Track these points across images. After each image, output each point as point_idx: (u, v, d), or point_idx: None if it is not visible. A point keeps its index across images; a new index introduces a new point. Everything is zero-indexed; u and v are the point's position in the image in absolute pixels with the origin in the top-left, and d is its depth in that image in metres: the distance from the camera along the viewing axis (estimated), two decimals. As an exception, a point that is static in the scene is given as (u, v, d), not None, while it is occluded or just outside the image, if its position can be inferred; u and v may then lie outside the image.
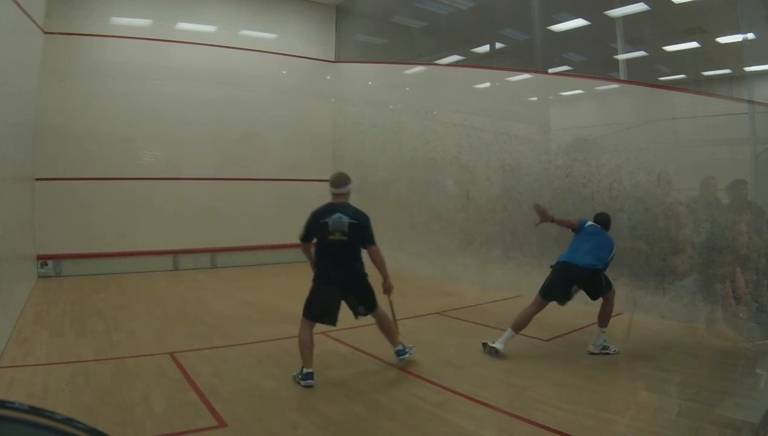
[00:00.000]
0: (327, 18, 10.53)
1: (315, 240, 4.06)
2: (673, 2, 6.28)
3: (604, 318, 4.43)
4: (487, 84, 8.32)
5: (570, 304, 4.56)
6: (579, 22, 7.47)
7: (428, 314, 5.91)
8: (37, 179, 7.82)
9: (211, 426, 3.03)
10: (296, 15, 10.24)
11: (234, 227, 9.41)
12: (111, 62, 8.44)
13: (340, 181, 4.09)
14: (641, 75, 6.55)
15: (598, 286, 4.41)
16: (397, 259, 8.91)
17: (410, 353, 4.27)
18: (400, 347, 4.19)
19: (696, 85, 6.28)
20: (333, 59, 10.56)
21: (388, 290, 4.18)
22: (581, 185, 6.43)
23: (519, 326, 4.43)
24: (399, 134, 9.17)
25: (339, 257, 3.98)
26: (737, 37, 5.74)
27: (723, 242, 5.08)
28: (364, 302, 4.08)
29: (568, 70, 7.70)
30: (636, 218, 5.88)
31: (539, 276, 6.79)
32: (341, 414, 3.26)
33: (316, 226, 3.99)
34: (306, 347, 3.74)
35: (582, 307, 5.98)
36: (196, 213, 9.10)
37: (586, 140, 6.60)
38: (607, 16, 6.79)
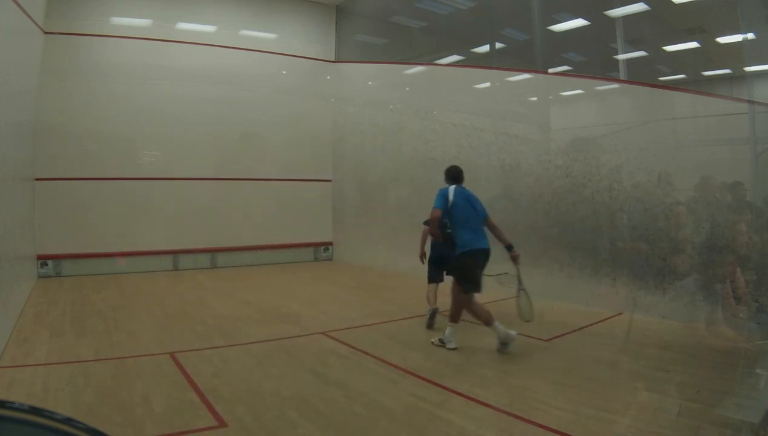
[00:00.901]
0: (327, 18, 10.54)
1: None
2: (673, 2, 6.28)
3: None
4: (487, 84, 8.32)
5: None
6: (579, 22, 7.47)
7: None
8: (37, 179, 7.82)
9: (211, 426, 3.03)
10: (296, 15, 10.24)
11: (234, 227, 9.41)
12: (111, 62, 8.45)
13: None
14: (641, 75, 6.55)
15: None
16: (398, 259, 8.93)
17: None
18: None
19: (696, 85, 6.28)
20: (333, 59, 10.57)
21: None
22: (581, 185, 6.43)
23: (456, 317, 4.69)
24: (399, 134, 9.17)
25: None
26: (737, 37, 5.74)
27: (723, 242, 5.08)
28: None
29: (568, 70, 7.70)
30: (636, 218, 5.88)
31: (539, 276, 6.80)
32: (341, 414, 3.26)
33: None
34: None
35: (582, 307, 5.99)
36: (196, 213, 9.10)
37: (586, 140, 6.60)
38: (607, 16, 6.79)
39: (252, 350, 4.58)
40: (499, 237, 4.76)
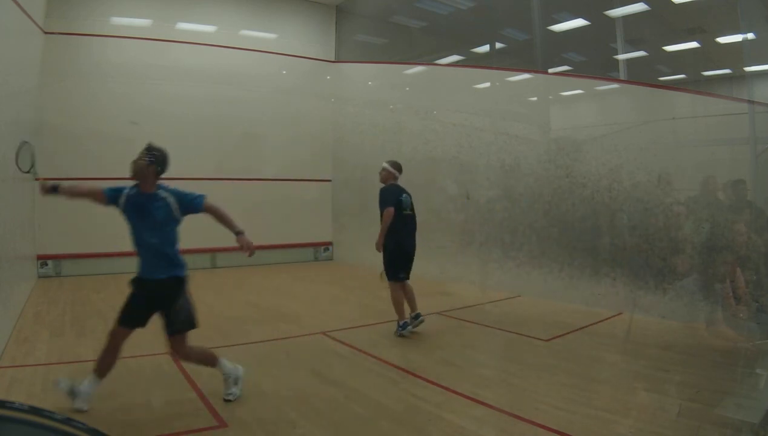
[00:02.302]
0: (327, 18, 10.53)
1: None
2: (673, 2, 6.28)
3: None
4: (487, 84, 8.32)
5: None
6: (579, 22, 7.47)
7: (428, 314, 5.89)
8: (37, 179, 7.80)
9: (211, 426, 3.03)
10: (296, 15, 10.24)
11: (234, 227, 9.40)
12: (111, 62, 8.44)
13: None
14: (641, 75, 6.55)
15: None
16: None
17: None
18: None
19: (696, 85, 6.28)
20: (333, 59, 10.56)
21: None
22: (581, 185, 6.43)
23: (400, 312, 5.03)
24: (399, 134, 9.16)
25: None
26: (737, 37, 5.74)
27: (723, 242, 5.08)
28: None
29: (568, 70, 7.70)
30: (636, 218, 5.88)
31: (539, 276, 6.81)
32: (341, 414, 3.26)
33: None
34: None
35: (582, 307, 5.99)
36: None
37: (586, 140, 6.60)
38: (607, 16, 6.79)
39: (252, 350, 4.58)
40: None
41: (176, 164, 9.98)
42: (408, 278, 5.13)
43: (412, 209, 5.32)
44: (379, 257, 5.01)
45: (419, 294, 5.20)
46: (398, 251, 5.07)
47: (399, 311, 5.00)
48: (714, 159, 5.56)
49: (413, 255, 5.22)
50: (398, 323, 4.98)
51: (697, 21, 6.15)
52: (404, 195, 5.29)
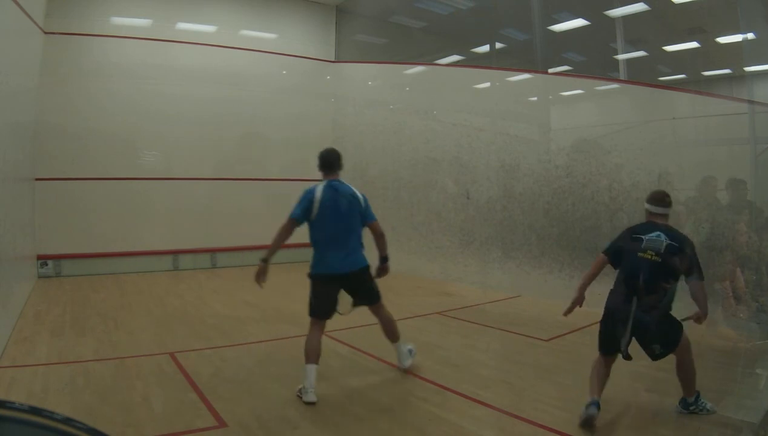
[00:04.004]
0: (327, 18, 10.53)
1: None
2: (673, 2, 6.28)
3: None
4: (487, 84, 8.32)
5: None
6: (579, 22, 7.47)
7: (428, 314, 5.91)
8: (37, 179, 7.82)
9: (211, 426, 3.03)
10: (296, 15, 10.24)
11: (234, 227, 9.40)
12: (111, 62, 8.43)
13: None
14: (641, 75, 6.55)
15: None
16: (397, 259, 8.92)
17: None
18: None
19: (696, 85, 6.28)
20: (333, 59, 10.56)
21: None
22: (581, 185, 6.43)
23: None
24: (399, 134, 9.17)
25: None
26: (737, 37, 5.74)
27: (723, 242, 5.08)
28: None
29: (568, 70, 7.70)
30: (636, 218, 5.87)
31: (539, 276, 6.81)
32: (341, 414, 3.26)
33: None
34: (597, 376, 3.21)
35: (582, 307, 5.98)
36: (196, 213, 9.10)
37: (586, 140, 6.60)
38: (607, 16, 6.79)
39: (252, 350, 4.58)
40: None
41: (176, 164, 10.03)
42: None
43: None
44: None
45: (419, 294, 5.20)
46: None
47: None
48: (714, 159, 5.56)
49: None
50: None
51: (697, 21, 6.15)
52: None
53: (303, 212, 3.74)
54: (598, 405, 3.01)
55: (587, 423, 2.97)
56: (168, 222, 8.90)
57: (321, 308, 3.73)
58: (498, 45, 8.57)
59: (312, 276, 3.84)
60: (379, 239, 3.88)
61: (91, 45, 8.34)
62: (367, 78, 10.32)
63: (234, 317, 5.75)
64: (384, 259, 3.90)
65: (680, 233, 3.40)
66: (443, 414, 3.24)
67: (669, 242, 3.21)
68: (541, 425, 3.06)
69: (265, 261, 3.85)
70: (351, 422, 3.15)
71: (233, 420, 3.10)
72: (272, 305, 6.48)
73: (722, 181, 5.24)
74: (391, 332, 3.98)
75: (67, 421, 0.58)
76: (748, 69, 5.66)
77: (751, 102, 5.30)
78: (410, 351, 4.07)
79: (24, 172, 6.79)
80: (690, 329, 4.72)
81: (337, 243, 3.72)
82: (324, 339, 4.86)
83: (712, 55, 6.19)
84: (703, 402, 3.21)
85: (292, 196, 10.14)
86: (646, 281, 3.20)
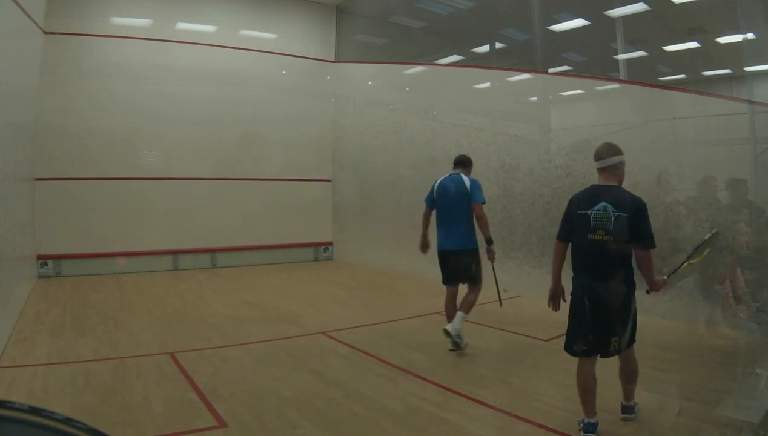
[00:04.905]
0: (327, 18, 10.53)
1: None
2: (673, 2, 6.28)
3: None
4: (487, 84, 8.32)
5: None
6: (579, 22, 7.47)
7: (428, 314, 5.90)
8: (37, 179, 7.82)
9: (211, 426, 3.03)
10: (296, 15, 10.24)
11: (234, 227, 9.41)
12: (111, 62, 8.44)
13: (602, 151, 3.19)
14: (641, 75, 6.55)
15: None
16: (398, 259, 8.93)
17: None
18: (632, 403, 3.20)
19: (696, 85, 6.27)
20: (333, 59, 10.56)
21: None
22: (581, 185, 6.35)
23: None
24: (399, 134, 9.17)
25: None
26: (737, 37, 5.74)
27: (723, 242, 5.08)
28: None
29: (568, 70, 7.70)
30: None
31: (539, 276, 6.79)
32: (341, 414, 3.26)
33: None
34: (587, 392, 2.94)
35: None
36: (196, 213, 9.10)
37: (586, 140, 6.59)
38: (607, 16, 6.79)
39: (252, 350, 4.58)
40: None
41: (176, 164, 10.02)
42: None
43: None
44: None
45: (419, 294, 5.20)
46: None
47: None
48: (714, 159, 5.55)
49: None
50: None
51: (697, 21, 6.15)
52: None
53: (429, 199, 4.60)
54: (595, 428, 2.84)
55: None
56: (168, 222, 8.90)
57: (444, 277, 4.57)
58: (498, 45, 8.57)
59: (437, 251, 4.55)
60: (479, 220, 4.41)
61: (91, 45, 8.34)
62: (367, 78, 10.32)
63: (234, 317, 5.75)
64: (488, 241, 4.44)
65: (629, 194, 2.98)
66: (443, 414, 3.24)
67: (617, 213, 2.85)
68: (541, 425, 3.06)
69: (424, 236, 4.66)
70: (351, 422, 3.15)
71: (233, 420, 3.10)
72: (272, 305, 6.48)
73: (722, 181, 5.23)
74: (465, 305, 4.47)
75: (67, 421, 0.58)
76: (748, 69, 5.66)
77: (751, 102, 5.30)
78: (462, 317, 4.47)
79: (24, 172, 6.79)
80: (690, 330, 4.73)
81: (446, 224, 4.44)
82: (324, 339, 4.88)
83: (712, 55, 6.19)
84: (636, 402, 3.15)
85: (292, 196, 10.22)
86: (603, 266, 2.90)
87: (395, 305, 6.49)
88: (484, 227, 4.39)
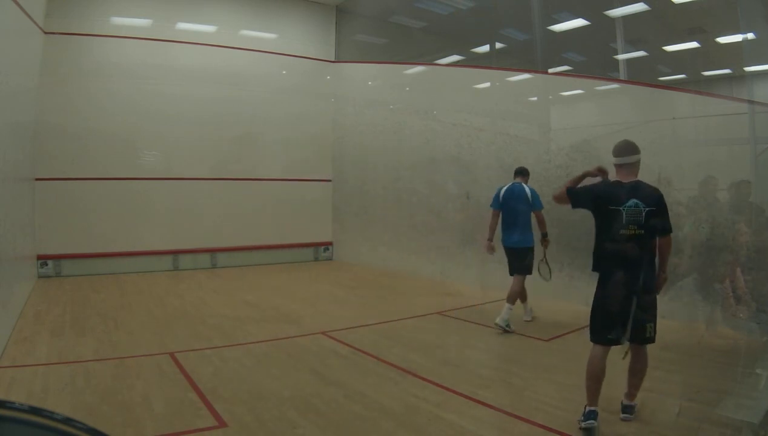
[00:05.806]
0: (327, 18, 10.53)
1: None
2: (673, 2, 6.28)
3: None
4: (487, 84, 8.32)
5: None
6: (579, 22, 7.47)
7: (428, 314, 5.91)
8: (37, 179, 7.82)
9: (211, 426, 3.03)
10: (296, 15, 10.24)
11: (234, 227, 9.41)
12: (111, 62, 8.44)
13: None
14: (641, 75, 6.55)
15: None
16: (398, 259, 8.93)
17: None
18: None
19: (696, 85, 6.27)
20: (333, 59, 10.56)
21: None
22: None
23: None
24: (399, 134, 9.17)
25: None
26: (737, 37, 5.74)
27: (723, 242, 5.07)
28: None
29: (568, 70, 7.70)
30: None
31: (539, 276, 6.78)
32: (341, 414, 3.26)
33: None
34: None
35: (582, 307, 5.98)
36: (196, 213, 9.10)
37: (586, 140, 6.59)
38: (607, 16, 6.79)
39: (252, 350, 4.58)
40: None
41: (176, 164, 10.03)
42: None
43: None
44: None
45: (419, 294, 5.21)
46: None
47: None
48: (714, 159, 5.55)
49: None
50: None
51: (697, 21, 6.15)
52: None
53: (495, 203, 5.43)
54: (596, 416, 2.96)
55: (587, 434, 2.93)
56: (168, 222, 8.90)
57: (510, 268, 5.38)
58: (498, 45, 8.57)
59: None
60: (539, 222, 5.35)
61: (91, 45, 8.34)
62: (367, 78, 10.32)
63: (234, 317, 5.75)
64: (544, 235, 5.38)
65: (651, 187, 3.28)
66: (443, 414, 3.24)
67: (647, 209, 3.09)
68: (541, 425, 3.06)
69: (490, 240, 5.44)
70: (351, 422, 3.15)
71: (233, 420, 3.10)
72: (272, 305, 6.48)
73: (722, 181, 5.23)
74: (512, 295, 5.19)
75: (67, 421, 0.58)
76: (748, 69, 5.66)
77: (751, 102, 5.30)
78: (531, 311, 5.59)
79: (24, 172, 6.79)
80: (690, 330, 4.74)
81: (508, 225, 5.33)
82: (324, 339, 4.88)
83: (712, 55, 6.19)
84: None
85: (292, 196, 10.23)
86: (636, 258, 3.07)
87: (395, 305, 6.50)
88: (542, 225, 5.35)
